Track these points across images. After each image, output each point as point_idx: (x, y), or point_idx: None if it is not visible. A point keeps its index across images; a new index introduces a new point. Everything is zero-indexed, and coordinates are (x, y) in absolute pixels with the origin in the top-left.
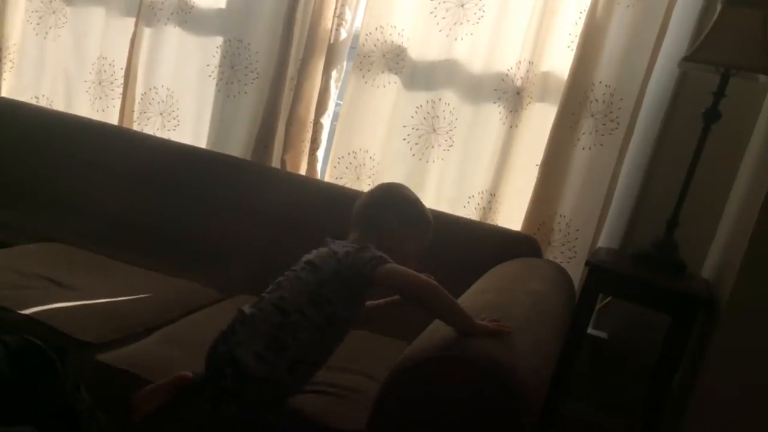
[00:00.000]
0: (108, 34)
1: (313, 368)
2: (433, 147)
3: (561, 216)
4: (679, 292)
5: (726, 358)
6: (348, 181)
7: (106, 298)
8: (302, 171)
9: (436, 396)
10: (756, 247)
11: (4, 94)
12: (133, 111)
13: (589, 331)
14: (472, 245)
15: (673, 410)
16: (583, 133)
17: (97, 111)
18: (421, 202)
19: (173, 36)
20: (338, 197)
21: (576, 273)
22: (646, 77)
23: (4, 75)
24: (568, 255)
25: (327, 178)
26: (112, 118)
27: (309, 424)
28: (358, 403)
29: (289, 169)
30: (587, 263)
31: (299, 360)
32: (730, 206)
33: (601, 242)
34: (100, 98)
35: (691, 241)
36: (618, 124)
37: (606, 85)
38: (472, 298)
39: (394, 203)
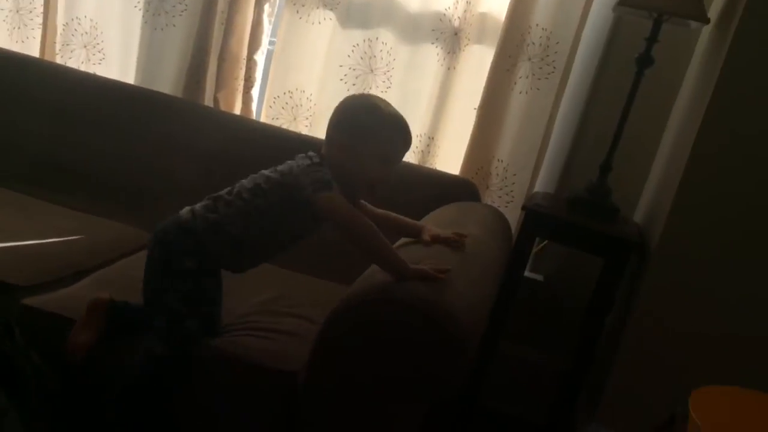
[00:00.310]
0: None
1: (238, 253)
2: (371, 87)
3: (499, 160)
4: (612, 236)
5: (655, 298)
6: (284, 122)
7: (32, 240)
8: (237, 110)
9: (373, 338)
10: (684, 191)
11: None
12: (55, 42)
13: (526, 273)
14: (410, 189)
15: (605, 349)
16: (520, 77)
17: (16, 42)
18: (387, 114)
19: None
20: (273, 138)
21: (513, 217)
22: (582, 21)
23: None
24: (506, 199)
25: (263, 119)
26: (33, 50)
27: (246, 364)
28: (299, 345)
29: (222, 107)
30: (524, 207)
31: (223, 228)
32: (662, 151)
33: (538, 187)
34: (19, 28)
35: (625, 185)
36: (554, 68)
37: (543, 28)
38: (409, 243)
39: (347, 114)
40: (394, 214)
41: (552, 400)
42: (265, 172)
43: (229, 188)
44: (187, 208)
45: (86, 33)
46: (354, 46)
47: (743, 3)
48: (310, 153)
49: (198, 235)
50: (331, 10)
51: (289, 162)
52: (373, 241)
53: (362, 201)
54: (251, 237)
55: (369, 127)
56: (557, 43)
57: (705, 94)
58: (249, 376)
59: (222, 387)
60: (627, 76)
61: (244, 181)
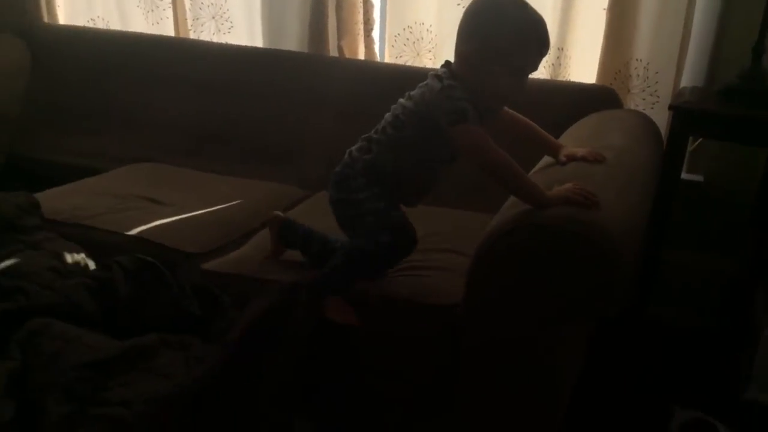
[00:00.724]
0: None
1: (399, 186)
2: None
3: (637, 60)
4: None
5: None
6: (408, 59)
7: (201, 209)
8: (360, 55)
9: (526, 265)
10: None
11: (61, 22)
12: (186, 19)
13: (684, 176)
14: (545, 106)
15: None
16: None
17: (152, 24)
18: (518, 18)
19: None
20: (400, 77)
21: (662, 118)
22: None
23: (58, 2)
24: (651, 101)
25: (386, 59)
26: (168, 29)
27: (405, 302)
28: (453, 279)
29: (347, 55)
30: (671, 107)
31: (378, 166)
32: None
33: (684, 82)
34: (152, 11)
35: None
36: None
37: None
38: (547, 166)
39: (474, 21)
40: (536, 127)
41: (726, 305)
42: (402, 100)
43: (378, 125)
44: (347, 152)
45: (212, 5)
46: None
47: None
48: (442, 71)
49: (361, 177)
50: None
51: (420, 86)
52: (509, 173)
53: (505, 108)
54: (404, 170)
55: (498, 36)
56: None
57: None
58: (409, 314)
59: (385, 329)
60: None
61: (387, 115)
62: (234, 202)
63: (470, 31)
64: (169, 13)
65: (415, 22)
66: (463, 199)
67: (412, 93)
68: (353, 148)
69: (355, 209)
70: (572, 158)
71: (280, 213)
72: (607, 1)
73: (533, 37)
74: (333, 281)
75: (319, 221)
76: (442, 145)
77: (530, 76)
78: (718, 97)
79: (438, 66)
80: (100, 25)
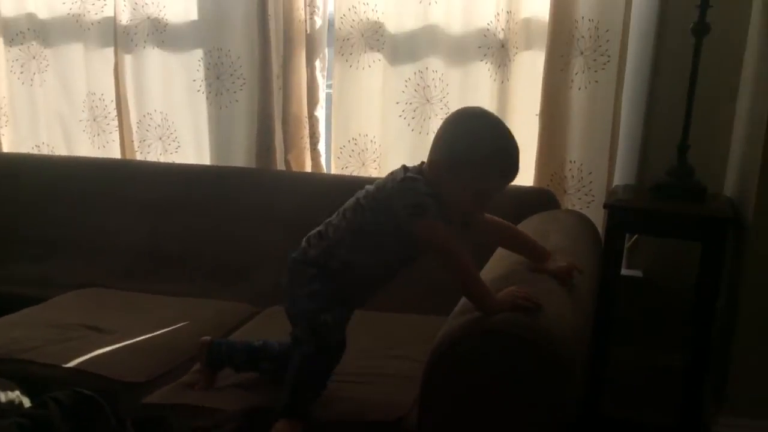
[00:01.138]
0: (91, 69)
1: (351, 279)
2: (430, 118)
3: (571, 162)
4: (703, 216)
5: (762, 272)
6: (354, 169)
7: (145, 334)
8: (308, 168)
9: (477, 371)
10: None
11: (5, 150)
12: (133, 141)
13: (624, 272)
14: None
15: (721, 336)
16: (576, 73)
17: (98, 148)
18: (492, 141)
19: (154, 57)
20: (348, 187)
21: (597, 216)
22: (628, 3)
23: (2, 130)
24: (586, 200)
25: (333, 170)
26: (114, 152)
27: (345, 422)
28: (402, 387)
29: (294, 168)
30: (605, 205)
31: (333, 252)
32: (740, 117)
33: (617, 180)
34: (98, 135)
35: (707, 161)
36: (609, 57)
37: (589, 20)
38: (494, 267)
39: (450, 133)
40: (522, 233)
41: (675, 398)
42: (369, 187)
43: (338, 210)
44: (305, 238)
45: (159, 126)
46: (406, 80)
47: None
48: (411, 167)
49: (311, 267)
50: (378, 51)
51: (386, 177)
52: (466, 276)
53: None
54: (359, 259)
55: (467, 155)
56: (607, 30)
57: None
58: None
59: None
60: (686, 49)
61: (349, 200)
62: (180, 325)
63: (443, 141)
64: (116, 136)
65: (359, 134)
66: (413, 302)
67: (378, 182)
68: (311, 233)
69: (294, 307)
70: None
71: (206, 337)
72: (538, 107)
73: (501, 165)
74: (293, 403)
75: (268, 336)
76: (400, 238)
77: None
78: (649, 194)
79: (383, 175)
80: (45, 151)
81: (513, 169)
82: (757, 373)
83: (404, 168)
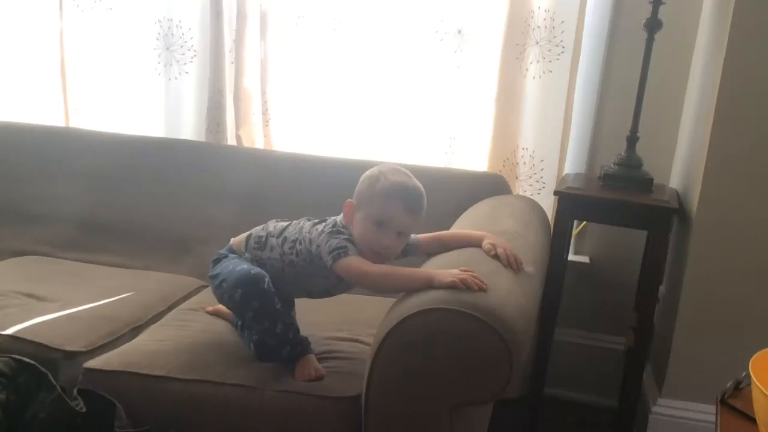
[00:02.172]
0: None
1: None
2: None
3: (524, 149)
4: (649, 205)
5: (703, 261)
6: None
7: (87, 304)
8: (259, 145)
9: (424, 349)
10: (715, 147)
11: None
12: (78, 108)
13: (572, 257)
14: (439, 192)
15: (663, 322)
16: (531, 63)
17: (41, 114)
18: (388, 178)
19: (101, 23)
20: (299, 166)
21: (548, 203)
22: None
23: None
24: (537, 187)
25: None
26: (59, 119)
27: (305, 396)
28: (355, 367)
29: (245, 144)
30: (556, 192)
31: (264, 266)
32: (687, 111)
33: (568, 168)
34: (41, 100)
35: (655, 152)
36: (563, 48)
37: (545, 10)
38: (441, 257)
39: (361, 180)
40: (449, 233)
41: (618, 381)
42: (306, 227)
43: (281, 228)
44: (243, 235)
45: (107, 94)
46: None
47: None
48: (336, 218)
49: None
50: (335, 30)
51: (318, 226)
52: (391, 280)
53: (416, 237)
54: (288, 284)
55: (365, 190)
56: (562, 22)
57: (720, 45)
58: (310, 407)
59: (286, 420)
60: (639, 42)
61: (290, 230)
62: (124, 295)
63: (357, 186)
64: (60, 101)
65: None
66: None
67: (313, 229)
68: (253, 232)
69: (219, 288)
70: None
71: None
72: (494, 94)
73: (397, 197)
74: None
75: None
76: (329, 278)
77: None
78: (598, 183)
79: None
80: None
81: (410, 202)
82: (696, 358)
83: (332, 220)
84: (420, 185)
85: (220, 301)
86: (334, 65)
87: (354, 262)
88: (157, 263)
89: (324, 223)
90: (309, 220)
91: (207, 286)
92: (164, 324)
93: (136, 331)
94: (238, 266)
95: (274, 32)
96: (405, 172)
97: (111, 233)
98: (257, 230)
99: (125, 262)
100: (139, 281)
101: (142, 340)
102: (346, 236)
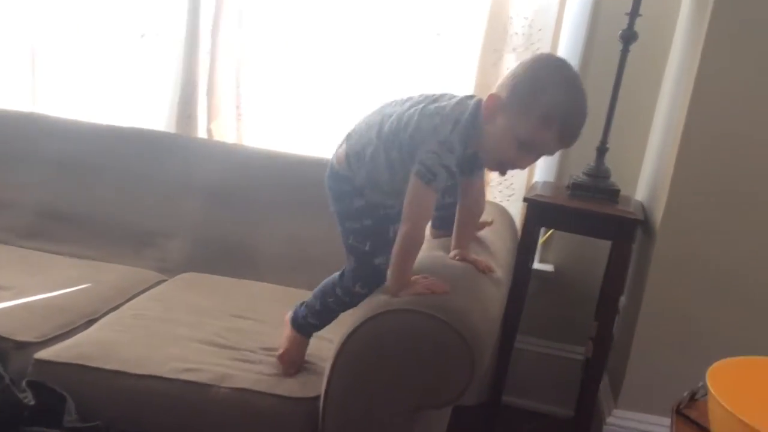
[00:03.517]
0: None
1: (378, 184)
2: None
3: None
4: (614, 216)
5: (664, 274)
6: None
7: (42, 293)
8: (231, 139)
9: (387, 350)
10: (682, 161)
11: None
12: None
13: (537, 266)
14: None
15: (623, 332)
16: (507, 69)
17: (8, 99)
18: (563, 88)
19: (73, 7)
20: (270, 162)
21: (516, 210)
22: (562, 4)
23: None
24: (507, 193)
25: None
26: (26, 104)
27: (265, 396)
28: (315, 368)
29: (216, 137)
30: (525, 199)
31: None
32: (656, 125)
33: (537, 177)
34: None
35: (623, 164)
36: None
37: (524, 17)
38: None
39: (519, 73)
40: (477, 215)
41: (576, 391)
42: (418, 104)
43: (376, 114)
44: (341, 150)
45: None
46: None
47: None
48: (470, 103)
49: (347, 170)
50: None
51: (435, 119)
52: (408, 249)
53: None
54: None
55: (525, 95)
56: (540, 30)
57: (693, 60)
58: (267, 407)
59: (241, 420)
60: (614, 54)
61: (388, 110)
62: (81, 287)
63: (509, 79)
64: (30, 86)
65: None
66: None
67: (421, 112)
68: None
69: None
70: (463, 259)
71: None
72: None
73: (559, 120)
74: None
75: (180, 301)
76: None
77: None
78: (566, 192)
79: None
80: None
81: (569, 132)
82: (653, 369)
83: (458, 103)
84: (586, 105)
85: (344, 234)
86: (311, 64)
87: (424, 198)
88: (118, 255)
89: (442, 114)
90: (420, 101)
91: (166, 280)
92: (120, 315)
93: (91, 323)
94: (379, 253)
95: (251, 26)
96: (575, 79)
97: (73, 223)
98: (354, 142)
99: (85, 252)
100: (99, 273)
101: (96, 332)
102: (453, 158)
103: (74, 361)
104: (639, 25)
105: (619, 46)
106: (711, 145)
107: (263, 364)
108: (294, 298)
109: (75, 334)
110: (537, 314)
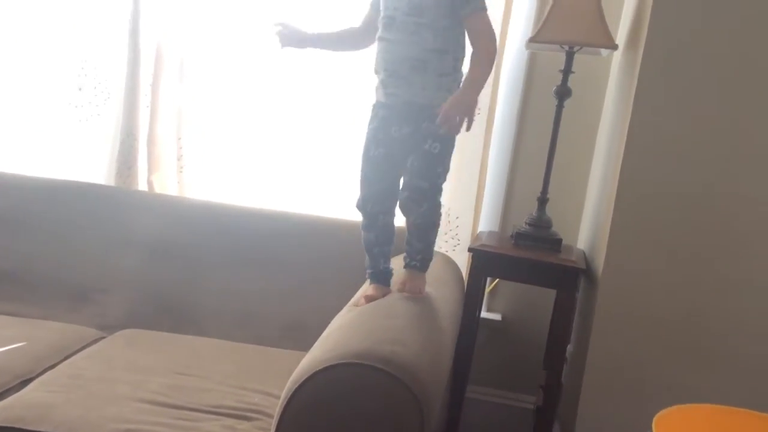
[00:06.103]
0: None
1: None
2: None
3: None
4: (557, 265)
5: (608, 320)
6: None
7: None
8: (172, 191)
9: (335, 403)
10: (620, 210)
11: None
12: None
13: (484, 314)
14: (356, 248)
15: (571, 380)
16: None
17: None
18: None
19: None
20: (211, 214)
21: (462, 260)
22: (498, 60)
23: None
24: (453, 243)
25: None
26: None
27: None
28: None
29: (157, 190)
30: (470, 249)
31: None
32: (594, 175)
33: (482, 226)
34: None
35: (564, 214)
36: (479, 109)
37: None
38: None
39: None
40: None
41: None
42: None
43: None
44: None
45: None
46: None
47: (646, 26)
48: None
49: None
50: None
51: None
52: (490, 64)
53: None
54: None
55: None
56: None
57: (625, 114)
58: None
59: None
60: (550, 108)
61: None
62: (14, 345)
63: None
64: None
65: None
66: (276, 336)
67: None
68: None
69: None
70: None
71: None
72: None
73: None
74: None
75: (119, 359)
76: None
77: None
78: (510, 241)
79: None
80: None
81: None
82: (601, 417)
83: None
84: None
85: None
86: (252, 116)
87: (490, 23)
88: (54, 312)
89: None
90: None
91: (105, 337)
92: (57, 374)
93: (25, 384)
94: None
95: (192, 79)
96: None
97: (7, 280)
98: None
99: (20, 310)
100: (34, 331)
101: (31, 393)
102: None
103: (7, 425)
104: (572, 82)
105: (555, 102)
106: (647, 193)
107: (206, 422)
108: (237, 352)
109: (8, 396)
110: (487, 363)
